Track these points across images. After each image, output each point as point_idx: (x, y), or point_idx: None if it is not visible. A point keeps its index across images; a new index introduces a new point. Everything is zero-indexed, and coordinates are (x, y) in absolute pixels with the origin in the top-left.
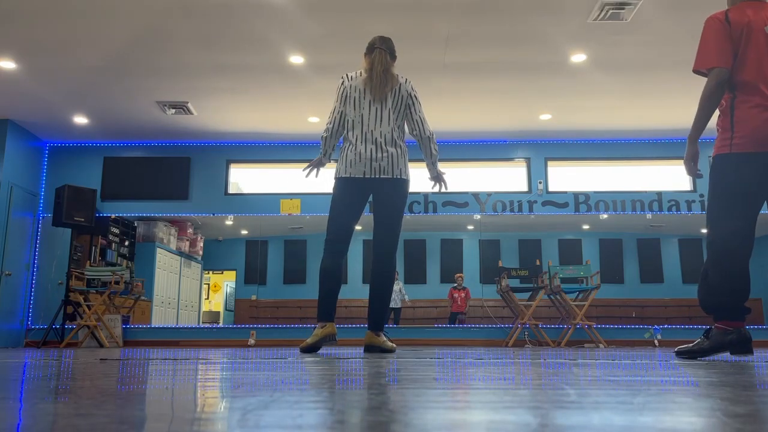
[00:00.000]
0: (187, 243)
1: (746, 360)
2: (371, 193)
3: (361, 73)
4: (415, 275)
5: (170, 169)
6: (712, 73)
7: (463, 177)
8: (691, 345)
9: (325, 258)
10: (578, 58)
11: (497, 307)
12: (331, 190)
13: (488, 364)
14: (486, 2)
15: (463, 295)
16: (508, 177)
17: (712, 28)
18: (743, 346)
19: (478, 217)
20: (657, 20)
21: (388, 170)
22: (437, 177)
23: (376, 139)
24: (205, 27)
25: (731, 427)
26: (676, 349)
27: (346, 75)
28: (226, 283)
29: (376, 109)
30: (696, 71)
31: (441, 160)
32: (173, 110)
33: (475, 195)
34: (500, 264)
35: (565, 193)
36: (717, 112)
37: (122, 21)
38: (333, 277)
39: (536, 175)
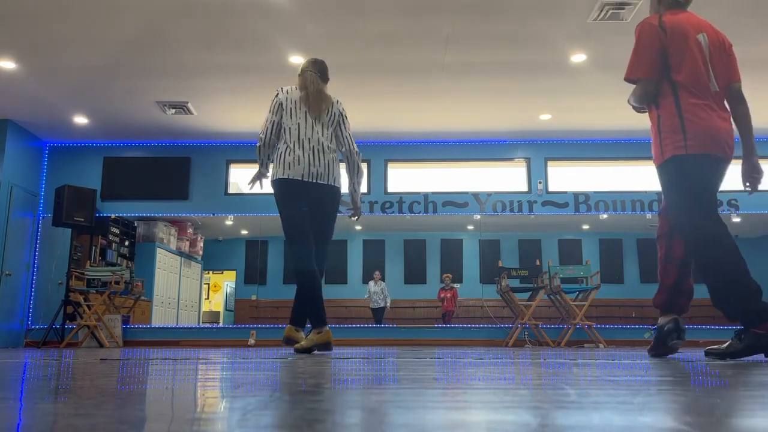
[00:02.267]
0: (187, 243)
1: None
2: (308, 197)
3: (295, 87)
4: (415, 275)
5: (170, 169)
6: (640, 83)
7: (463, 177)
8: (722, 346)
9: (300, 261)
10: (578, 58)
11: (497, 307)
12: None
13: (488, 364)
14: (486, 2)
15: (449, 295)
16: (508, 177)
17: (647, 36)
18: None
19: (478, 217)
20: None
21: (324, 176)
22: (356, 202)
23: (313, 146)
24: (205, 27)
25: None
26: (706, 349)
27: (281, 89)
28: (226, 283)
29: (312, 120)
30: (626, 80)
31: (441, 160)
32: (173, 110)
33: (475, 195)
34: (500, 264)
35: (565, 193)
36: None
37: (122, 21)
38: (316, 278)
39: (536, 175)
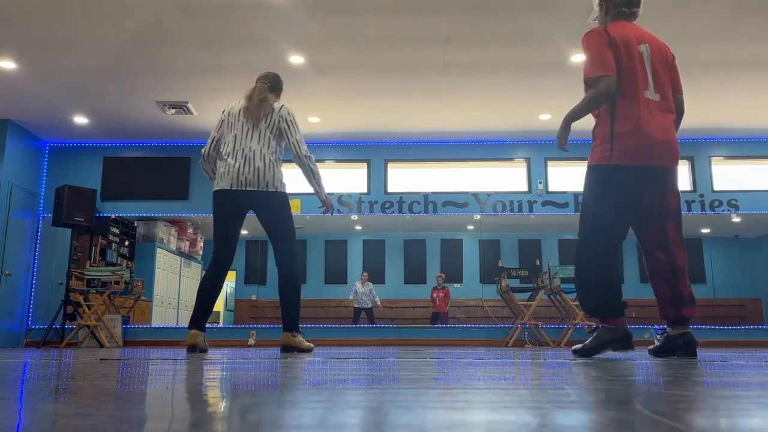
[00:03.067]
0: (187, 243)
1: (627, 357)
2: (244, 207)
3: (240, 102)
4: (415, 275)
5: (170, 169)
6: (602, 81)
7: (463, 177)
8: (582, 345)
9: (207, 269)
10: (578, 58)
11: (497, 307)
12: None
13: (488, 364)
14: (486, 2)
15: (442, 294)
16: (508, 177)
17: (595, 40)
18: (625, 342)
19: (478, 217)
20: (657, 20)
21: (253, 183)
22: (322, 201)
23: (246, 155)
24: (204, 27)
25: (731, 425)
26: (572, 348)
27: (228, 106)
28: (226, 283)
29: (248, 129)
30: (585, 81)
31: (441, 160)
32: (173, 110)
33: (475, 195)
34: (500, 264)
35: (565, 193)
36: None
37: (122, 21)
38: (209, 287)
39: (536, 175)
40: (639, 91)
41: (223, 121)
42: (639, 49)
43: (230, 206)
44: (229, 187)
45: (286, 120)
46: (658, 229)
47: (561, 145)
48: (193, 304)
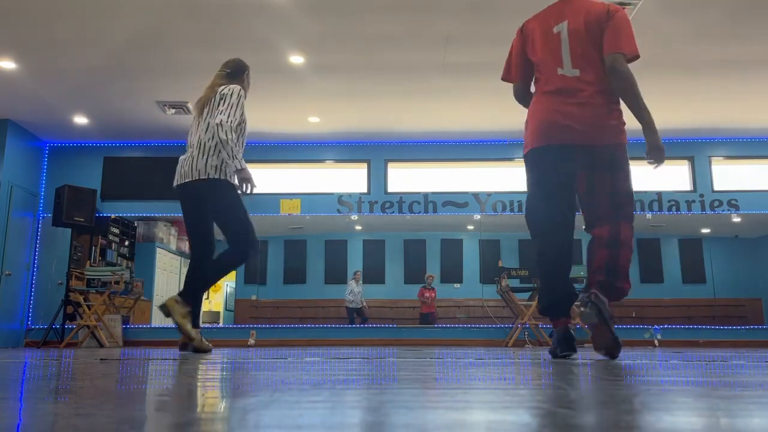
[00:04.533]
0: (187, 243)
1: (571, 359)
2: (186, 200)
3: None
4: (415, 275)
5: (170, 169)
6: (513, 89)
7: (463, 177)
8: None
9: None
10: None
11: (497, 307)
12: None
13: (488, 364)
14: (486, 2)
15: (433, 295)
16: (508, 177)
17: (513, 42)
18: (568, 344)
19: (478, 217)
20: (657, 20)
21: (188, 174)
22: (239, 172)
23: (188, 149)
24: (205, 27)
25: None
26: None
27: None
28: (226, 283)
29: (197, 123)
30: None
31: (441, 160)
32: (173, 110)
33: (475, 195)
34: (500, 264)
35: None
36: None
37: (122, 21)
38: (196, 274)
39: None
40: (549, 70)
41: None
42: (552, 30)
43: (181, 202)
44: (176, 184)
45: (222, 94)
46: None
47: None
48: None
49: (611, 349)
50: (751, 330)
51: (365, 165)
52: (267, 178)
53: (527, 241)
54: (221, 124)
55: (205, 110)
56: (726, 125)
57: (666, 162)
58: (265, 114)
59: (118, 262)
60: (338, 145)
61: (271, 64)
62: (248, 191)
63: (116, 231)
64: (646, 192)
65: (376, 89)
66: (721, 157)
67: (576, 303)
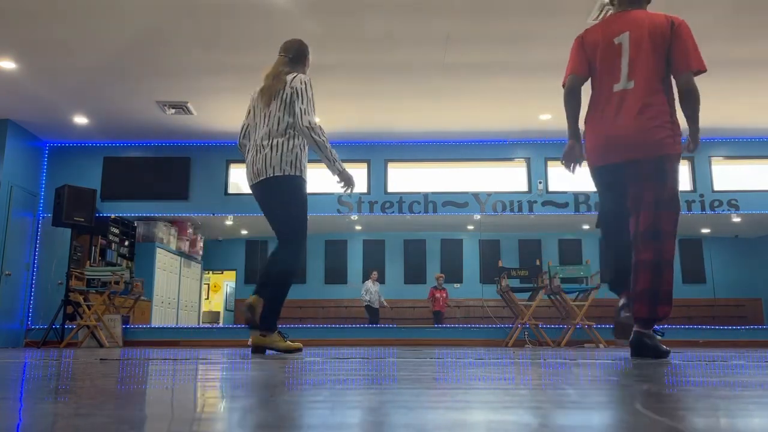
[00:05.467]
0: (187, 243)
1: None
2: (259, 198)
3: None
4: (415, 275)
5: (170, 169)
6: (567, 80)
7: (463, 177)
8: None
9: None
10: None
11: (497, 307)
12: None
13: (488, 364)
14: (486, 2)
15: (445, 294)
16: (508, 177)
17: (571, 47)
18: (620, 333)
19: (478, 217)
20: None
21: (261, 172)
22: (340, 174)
23: (257, 144)
24: (205, 27)
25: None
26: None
27: (254, 90)
28: (226, 283)
29: (264, 114)
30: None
31: (441, 160)
32: (173, 110)
33: (475, 195)
34: (500, 264)
35: (565, 193)
36: None
37: (122, 21)
38: (266, 279)
39: (536, 175)
40: (603, 85)
41: (249, 107)
42: (613, 42)
43: (259, 201)
44: (250, 183)
45: (295, 89)
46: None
47: (566, 165)
48: (194, 305)
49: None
50: (751, 330)
51: (365, 165)
52: None
53: (527, 241)
54: (312, 127)
55: (274, 102)
56: (726, 125)
57: None
58: None
59: (118, 262)
60: (338, 145)
61: (271, 64)
62: (350, 191)
63: (116, 231)
64: None
65: (376, 89)
66: (721, 157)
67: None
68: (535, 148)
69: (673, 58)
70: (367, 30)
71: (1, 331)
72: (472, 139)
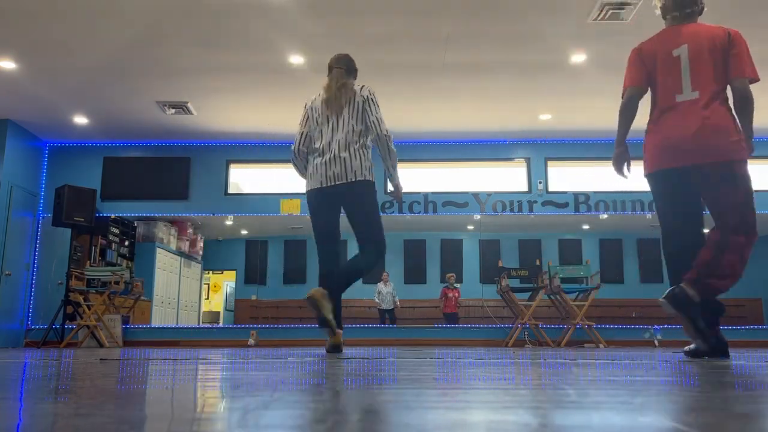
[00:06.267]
0: (187, 243)
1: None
2: (334, 202)
3: (320, 93)
4: (415, 275)
5: (170, 169)
6: (626, 91)
7: (463, 177)
8: (691, 347)
9: (320, 265)
10: (578, 58)
11: (497, 307)
12: None
13: (488, 364)
14: (486, 2)
15: (457, 294)
16: (508, 177)
17: (630, 58)
18: (717, 350)
19: (478, 217)
20: (657, 20)
21: (341, 176)
22: (396, 187)
23: (333, 149)
24: (205, 27)
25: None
26: (684, 350)
27: (309, 99)
28: (226, 283)
29: (333, 122)
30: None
31: (441, 160)
32: (173, 110)
33: (475, 195)
34: (500, 264)
35: (565, 193)
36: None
37: (122, 21)
38: (333, 280)
39: (536, 175)
40: (667, 94)
41: (308, 116)
42: (672, 53)
43: (325, 205)
44: (319, 186)
45: (366, 99)
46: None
47: (617, 170)
48: (194, 305)
49: (700, 343)
50: (751, 330)
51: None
52: (267, 178)
53: (527, 241)
54: (389, 136)
55: (346, 111)
56: None
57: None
58: (265, 114)
59: (118, 262)
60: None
61: (271, 64)
62: (399, 203)
63: (116, 231)
64: (646, 192)
65: (376, 89)
66: None
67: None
68: (535, 148)
69: (729, 66)
70: (367, 30)
71: (1, 331)
72: (472, 139)
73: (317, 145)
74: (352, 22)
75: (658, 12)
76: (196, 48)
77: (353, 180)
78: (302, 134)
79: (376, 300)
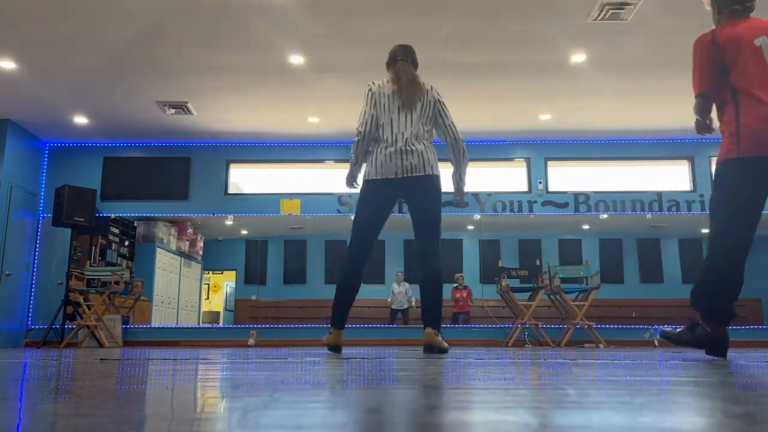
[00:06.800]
0: (187, 243)
1: (719, 359)
2: (402, 194)
3: (387, 81)
4: (416, 275)
5: (170, 169)
6: (697, 98)
7: None
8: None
9: (345, 261)
10: (578, 58)
11: (497, 307)
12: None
13: (488, 364)
14: (486, 2)
15: (465, 294)
16: (508, 177)
17: (698, 52)
18: (721, 348)
19: (478, 217)
20: (657, 20)
21: (419, 168)
22: (461, 190)
23: (407, 139)
24: (205, 27)
25: (733, 427)
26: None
27: (372, 83)
28: (226, 283)
29: (406, 113)
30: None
31: (442, 160)
32: (173, 110)
33: (475, 195)
34: (500, 264)
35: (565, 193)
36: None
37: (122, 21)
38: (347, 283)
39: (536, 175)
40: (758, 83)
41: (375, 99)
42: (754, 43)
43: (389, 196)
44: (393, 176)
45: (440, 101)
46: None
47: (703, 126)
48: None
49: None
50: (751, 330)
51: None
52: (267, 178)
53: (527, 241)
54: (463, 141)
55: (418, 105)
56: None
57: (667, 162)
58: (265, 114)
59: (118, 262)
60: (338, 145)
61: (271, 64)
62: (462, 205)
63: (116, 231)
64: (646, 192)
65: None
66: None
67: None
68: (535, 148)
69: None
70: (367, 30)
71: (1, 331)
72: (472, 139)
73: (386, 135)
74: (352, 22)
75: (708, 8)
76: (196, 48)
77: (431, 173)
78: (372, 116)
79: (389, 300)
